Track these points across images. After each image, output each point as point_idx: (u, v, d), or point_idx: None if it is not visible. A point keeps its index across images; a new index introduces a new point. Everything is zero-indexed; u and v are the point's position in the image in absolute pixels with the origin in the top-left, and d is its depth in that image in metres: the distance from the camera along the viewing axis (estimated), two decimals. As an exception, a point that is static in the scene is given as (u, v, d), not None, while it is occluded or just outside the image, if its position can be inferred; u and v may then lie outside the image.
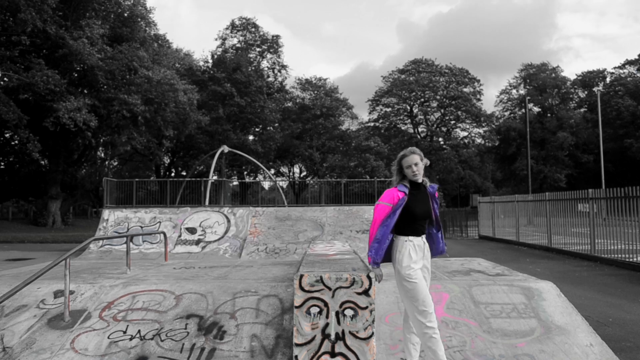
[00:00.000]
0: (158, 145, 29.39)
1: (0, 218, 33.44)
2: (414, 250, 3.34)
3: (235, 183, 32.67)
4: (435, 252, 3.54)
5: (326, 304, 3.43)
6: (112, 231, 12.71)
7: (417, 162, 3.38)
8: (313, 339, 3.39)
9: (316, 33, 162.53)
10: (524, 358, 3.62)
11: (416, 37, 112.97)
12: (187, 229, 12.58)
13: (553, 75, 52.14)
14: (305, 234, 11.98)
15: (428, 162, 3.47)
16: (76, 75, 23.98)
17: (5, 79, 20.73)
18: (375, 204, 3.47)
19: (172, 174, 41.88)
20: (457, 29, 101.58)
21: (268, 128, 40.70)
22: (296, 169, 49.72)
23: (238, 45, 41.66)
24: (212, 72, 37.76)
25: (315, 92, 45.49)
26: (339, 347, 3.36)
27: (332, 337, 3.40)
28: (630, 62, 51.11)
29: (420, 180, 3.44)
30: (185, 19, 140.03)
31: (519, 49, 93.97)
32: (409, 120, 54.44)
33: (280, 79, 43.63)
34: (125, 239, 8.32)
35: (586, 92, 53.52)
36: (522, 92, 52.53)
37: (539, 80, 51.00)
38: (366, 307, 3.41)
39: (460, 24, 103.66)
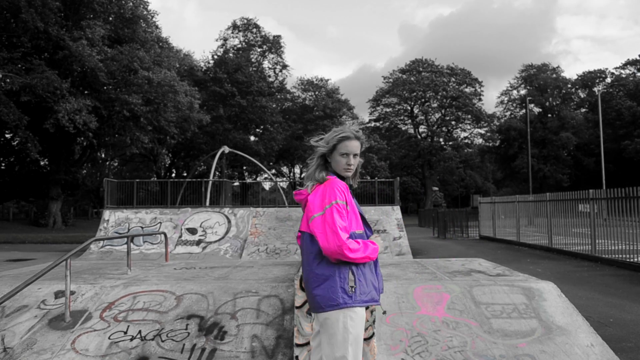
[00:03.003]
0: (160, 145, 29.42)
1: (1, 219, 33.49)
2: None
3: (236, 183, 32.69)
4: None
5: (327, 305, 3.41)
6: (113, 232, 12.72)
7: (356, 154, 2.38)
8: (314, 339, 3.38)
9: (319, 35, 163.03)
10: (524, 358, 3.62)
11: (418, 40, 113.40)
12: (188, 229, 12.60)
13: (554, 75, 52.16)
14: (305, 234, 11.97)
15: (361, 162, 2.53)
16: (76, 74, 23.98)
17: (7, 80, 20.74)
18: (325, 207, 2.29)
19: (173, 175, 41.91)
20: (457, 31, 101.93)
21: (270, 129, 40.73)
22: (297, 170, 49.74)
23: (239, 45, 41.68)
24: (214, 72, 37.79)
25: (317, 92, 45.47)
26: (340, 348, 3.35)
27: (333, 337, 3.38)
28: (630, 63, 51.10)
29: (351, 180, 2.50)
30: (190, 21, 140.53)
31: (518, 52, 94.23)
32: (410, 121, 54.42)
33: (280, 78, 43.66)
34: (125, 239, 8.34)
35: (586, 93, 53.52)
36: (522, 92, 52.55)
37: (540, 80, 51.03)
38: (367, 308, 3.40)
39: (461, 27, 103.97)
